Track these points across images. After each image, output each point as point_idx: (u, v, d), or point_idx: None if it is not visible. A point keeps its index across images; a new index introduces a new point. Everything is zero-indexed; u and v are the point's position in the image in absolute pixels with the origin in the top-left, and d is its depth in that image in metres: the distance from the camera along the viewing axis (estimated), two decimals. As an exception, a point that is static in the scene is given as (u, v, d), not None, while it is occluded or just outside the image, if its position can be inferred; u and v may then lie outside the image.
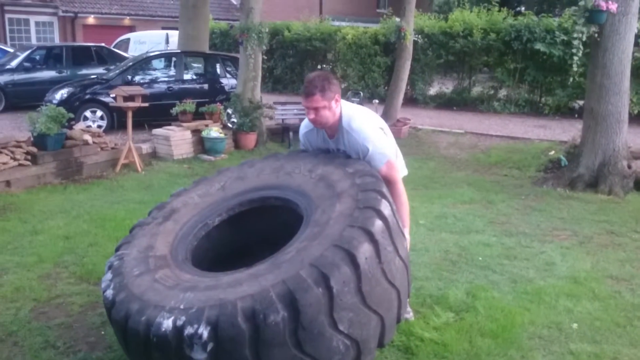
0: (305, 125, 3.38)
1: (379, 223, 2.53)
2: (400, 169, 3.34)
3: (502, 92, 13.66)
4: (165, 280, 2.54)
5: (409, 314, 3.55)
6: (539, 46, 12.17)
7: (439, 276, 4.27)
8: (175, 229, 3.01)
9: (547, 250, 4.87)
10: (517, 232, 5.38)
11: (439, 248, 4.89)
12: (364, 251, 2.41)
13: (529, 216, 5.94)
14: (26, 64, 12.79)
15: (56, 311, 3.68)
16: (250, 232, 3.38)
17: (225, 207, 3.14)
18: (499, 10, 13.68)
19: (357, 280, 2.37)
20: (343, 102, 3.20)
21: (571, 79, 9.92)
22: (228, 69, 11.76)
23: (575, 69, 7.21)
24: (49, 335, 3.37)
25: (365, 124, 3.12)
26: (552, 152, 8.55)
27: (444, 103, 14.14)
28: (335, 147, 3.22)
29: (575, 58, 7.02)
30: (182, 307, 2.31)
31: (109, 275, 2.70)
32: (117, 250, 2.96)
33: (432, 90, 14.74)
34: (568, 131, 9.98)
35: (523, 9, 22.31)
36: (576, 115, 11.92)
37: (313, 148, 3.35)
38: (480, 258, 4.65)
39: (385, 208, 2.62)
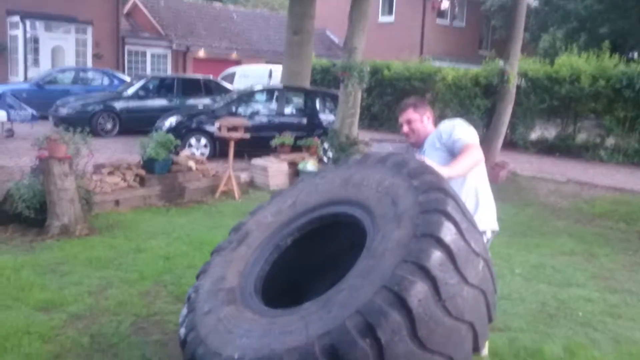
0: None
1: (436, 255, 2.27)
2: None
3: (610, 141, 12.99)
4: (228, 321, 2.55)
5: (484, 351, 3.44)
6: (652, 95, 11.55)
7: (535, 329, 4.08)
8: (247, 255, 2.99)
9: (655, 312, 4.55)
10: (623, 290, 5.06)
11: (536, 299, 4.69)
12: (417, 293, 2.18)
13: (636, 273, 5.58)
14: (140, 93, 13.69)
15: (154, 328, 3.85)
16: (325, 248, 3.30)
17: (297, 226, 3.06)
18: (610, 56, 13.14)
19: (411, 325, 2.16)
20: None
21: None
22: (327, 104, 12.01)
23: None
24: (146, 350, 3.53)
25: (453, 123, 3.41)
26: (664, 207, 8.01)
27: (546, 149, 13.65)
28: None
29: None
30: (236, 356, 2.31)
31: (184, 310, 2.79)
32: (197, 277, 3.03)
33: (534, 135, 14.28)
34: (683, 186, 9.34)
35: (636, 55, 21.28)
36: (692, 169, 11.14)
37: None
38: (580, 313, 4.41)
39: (447, 234, 2.34)
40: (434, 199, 2.48)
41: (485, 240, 3.19)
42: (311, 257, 3.32)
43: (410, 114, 3.49)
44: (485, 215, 3.36)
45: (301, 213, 3.09)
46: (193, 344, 2.51)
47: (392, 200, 2.64)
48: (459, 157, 3.14)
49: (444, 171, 2.88)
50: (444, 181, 2.67)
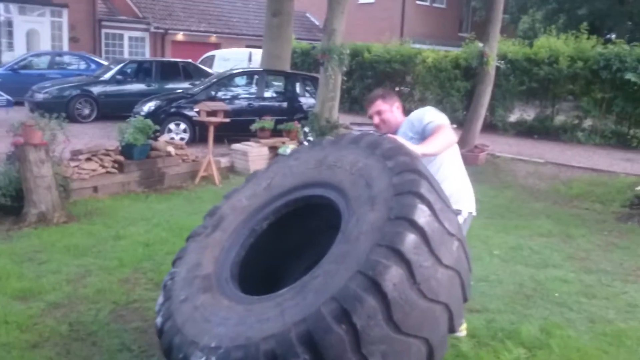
0: None
1: (410, 238, 2.24)
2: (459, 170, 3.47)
3: (587, 122, 13.13)
4: (205, 309, 2.53)
5: (462, 333, 3.49)
6: (629, 76, 11.66)
7: (512, 310, 4.15)
8: (223, 240, 2.94)
9: (629, 291, 4.64)
10: (598, 270, 5.15)
11: (513, 281, 4.75)
12: (391, 277, 2.16)
13: (611, 253, 5.68)
14: (118, 77, 13.52)
15: (133, 315, 3.84)
16: (301, 230, 3.25)
17: (272, 210, 3.01)
18: (588, 38, 13.24)
19: (386, 310, 2.15)
20: None
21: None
22: (307, 88, 11.96)
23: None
24: (125, 338, 3.52)
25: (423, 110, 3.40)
26: (639, 188, 8.13)
27: (525, 131, 13.77)
28: None
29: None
30: (213, 345, 2.30)
31: (161, 299, 2.76)
32: (173, 264, 2.98)
33: (513, 117, 14.38)
34: (658, 166, 9.49)
35: (614, 36, 21.44)
36: (667, 150, 11.31)
37: None
38: (556, 294, 4.49)
39: (421, 216, 2.30)
40: (408, 180, 2.44)
41: (461, 221, 3.20)
42: (288, 240, 3.28)
43: (380, 105, 3.48)
44: (461, 196, 3.38)
45: (276, 196, 3.04)
46: (170, 333, 2.50)
47: (366, 182, 2.60)
48: (431, 136, 3.10)
49: (418, 149, 2.84)
50: (418, 162, 2.63)
